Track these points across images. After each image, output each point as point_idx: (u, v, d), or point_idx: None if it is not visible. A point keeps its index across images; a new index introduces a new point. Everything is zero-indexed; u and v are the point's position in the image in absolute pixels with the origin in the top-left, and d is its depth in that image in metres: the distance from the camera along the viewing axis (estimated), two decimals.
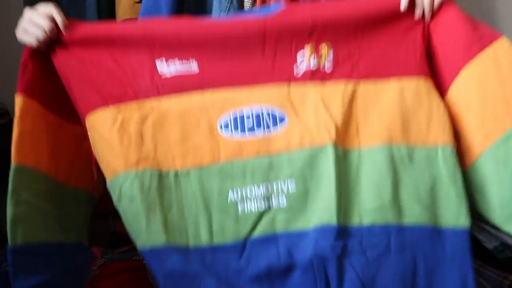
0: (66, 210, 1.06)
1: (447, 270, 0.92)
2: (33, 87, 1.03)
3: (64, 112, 1.07)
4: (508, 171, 0.88)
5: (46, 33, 1.02)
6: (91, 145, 1.03)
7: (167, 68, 1.02)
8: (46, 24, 1.01)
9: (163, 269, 0.94)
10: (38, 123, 1.03)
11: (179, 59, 1.02)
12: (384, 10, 1.02)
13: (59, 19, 1.02)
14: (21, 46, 1.61)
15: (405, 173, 0.93)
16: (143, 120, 0.99)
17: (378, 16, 1.02)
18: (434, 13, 1.00)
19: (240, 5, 1.49)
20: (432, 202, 0.91)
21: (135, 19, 1.50)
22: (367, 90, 0.98)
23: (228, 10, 1.47)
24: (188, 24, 1.07)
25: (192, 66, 1.02)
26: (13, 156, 0.98)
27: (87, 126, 1.02)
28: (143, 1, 1.50)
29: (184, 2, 1.54)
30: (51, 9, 1.02)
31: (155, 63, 1.02)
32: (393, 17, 1.02)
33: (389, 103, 0.96)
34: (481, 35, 0.97)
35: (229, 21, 1.08)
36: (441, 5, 1.00)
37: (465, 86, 0.93)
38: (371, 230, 0.90)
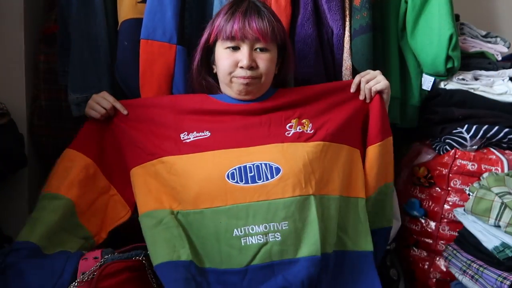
0: (67, 231, 1.31)
1: (363, 278, 1.27)
2: (82, 144, 1.37)
3: (102, 165, 1.39)
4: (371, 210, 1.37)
5: (107, 112, 1.38)
6: (137, 187, 1.34)
7: (188, 137, 1.33)
8: (108, 106, 1.38)
9: (182, 276, 1.15)
10: (74, 162, 1.35)
11: (196, 132, 1.33)
12: (341, 94, 1.40)
13: (118, 105, 1.39)
14: (21, 47, 1.61)
15: (346, 215, 1.30)
16: (169, 171, 1.30)
17: (338, 98, 1.40)
18: (371, 98, 1.40)
19: None
20: (356, 234, 1.30)
21: (139, 19, 1.50)
22: (333, 150, 1.32)
23: None
24: (203, 105, 1.38)
25: (206, 135, 1.32)
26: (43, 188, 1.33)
27: (133, 174, 1.36)
28: (147, 1, 1.49)
29: (185, 2, 1.54)
30: (111, 97, 1.40)
31: (179, 136, 1.33)
32: (347, 98, 1.40)
33: (343, 163, 1.33)
34: (385, 129, 1.40)
35: (234, 103, 1.37)
36: (375, 94, 1.39)
37: (368, 157, 1.39)
38: (336, 254, 1.24)
